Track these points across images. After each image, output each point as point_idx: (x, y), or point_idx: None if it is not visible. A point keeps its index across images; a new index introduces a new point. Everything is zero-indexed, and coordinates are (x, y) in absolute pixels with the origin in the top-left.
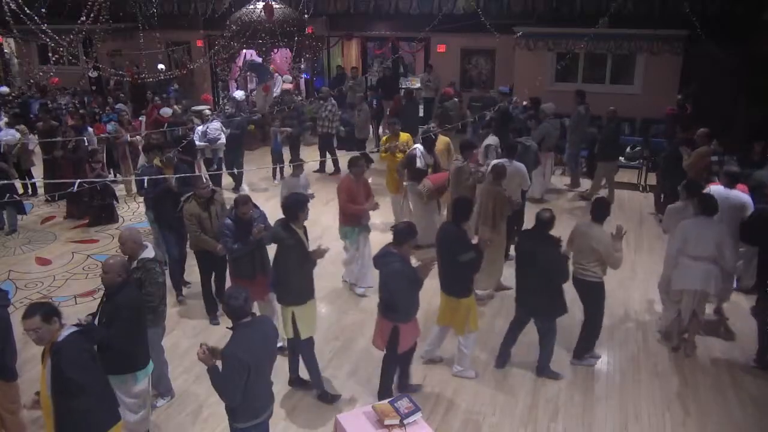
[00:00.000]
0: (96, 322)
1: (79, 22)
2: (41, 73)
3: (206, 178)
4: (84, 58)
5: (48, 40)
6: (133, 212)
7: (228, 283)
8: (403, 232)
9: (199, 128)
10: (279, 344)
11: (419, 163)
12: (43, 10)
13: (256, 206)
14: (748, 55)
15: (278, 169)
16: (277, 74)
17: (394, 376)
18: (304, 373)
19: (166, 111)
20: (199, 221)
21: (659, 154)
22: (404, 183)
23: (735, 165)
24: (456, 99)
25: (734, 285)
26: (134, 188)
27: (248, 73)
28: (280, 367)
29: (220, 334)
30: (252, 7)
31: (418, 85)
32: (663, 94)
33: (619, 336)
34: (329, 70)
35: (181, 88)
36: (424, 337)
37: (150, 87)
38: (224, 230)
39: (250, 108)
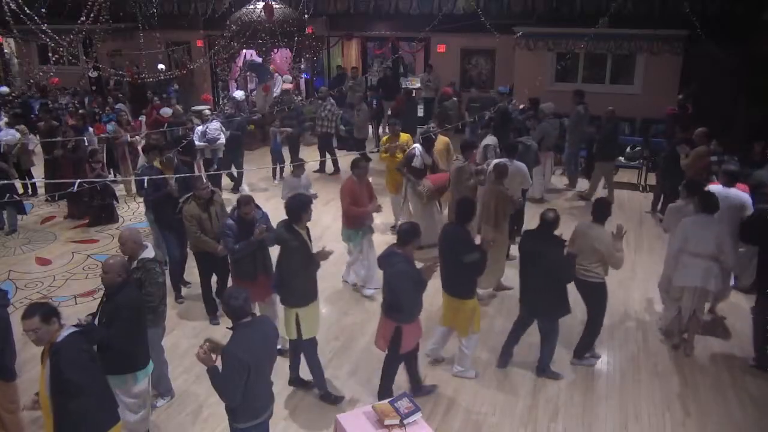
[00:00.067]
0: (96, 322)
1: (79, 22)
2: (41, 73)
3: (206, 179)
4: (84, 58)
5: (48, 40)
6: (133, 212)
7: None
8: (408, 233)
9: (199, 128)
10: (279, 346)
11: (416, 162)
12: (43, 10)
13: (258, 207)
14: (748, 55)
15: (278, 169)
16: (277, 74)
17: (395, 376)
18: (304, 373)
19: (166, 111)
20: (199, 222)
21: (659, 154)
22: (405, 181)
23: (735, 165)
24: (455, 98)
25: (732, 283)
26: (134, 188)
27: (248, 73)
28: (281, 367)
29: (220, 334)
30: (252, 7)
31: (418, 85)
32: (663, 94)
33: (619, 336)
34: (329, 70)
35: (181, 88)
36: (425, 337)
37: (150, 87)
38: (226, 230)
39: (250, 108)
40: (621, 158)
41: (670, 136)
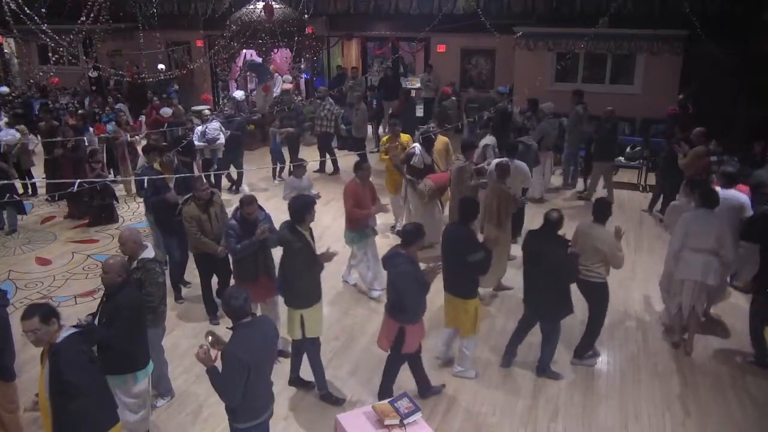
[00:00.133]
0: (96, 322)
1: (79, 22)
2: (41, 73)
3: (205, 180)
4: (84, 58)
5: (48, 40)
6: (133, 212)
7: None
8: (412, 233)
9: (198, 128)
10: (279, 347)
11: (415, 161)
12: (43, 10)
13: (261, 207)
14: (748, 55)
15: (278, 169)
16: (277, 74)
17: (396, 376)
18: (304, 373)
19: (166, 111)
20: (199, 223)
21: (659, 154)
22: (405, 181)
23: (734, 165)
24: (454, 98)
25: (729, 281)
26: (134, 188)
27: (248, 73)
28: (281, 367)
29: (220, 333)
30: (252, 7)
31: (418, 85)
32: (663, 94)
33: (619, 336)
34: (329, 70)
35: (181, 88)
36: (427, 337)
37: (150, 87)
38: (229, 231)
39: (250, 108)
40: (621, 158)
41: (670, 136)
